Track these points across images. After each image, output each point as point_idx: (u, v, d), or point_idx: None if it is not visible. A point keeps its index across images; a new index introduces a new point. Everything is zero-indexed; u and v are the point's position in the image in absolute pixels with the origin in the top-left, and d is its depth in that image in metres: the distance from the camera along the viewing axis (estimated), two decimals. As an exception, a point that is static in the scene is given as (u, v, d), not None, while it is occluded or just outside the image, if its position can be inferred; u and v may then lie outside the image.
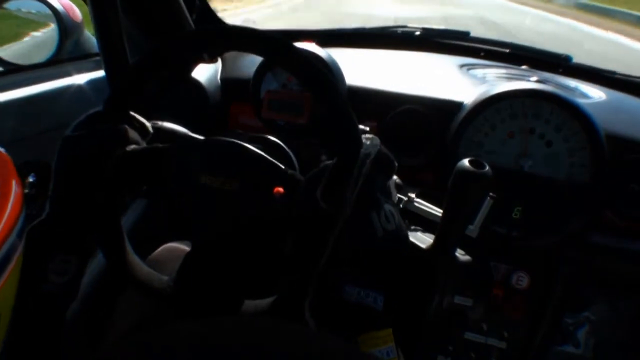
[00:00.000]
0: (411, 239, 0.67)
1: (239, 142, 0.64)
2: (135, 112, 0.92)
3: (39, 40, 1.32)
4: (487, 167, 0.61)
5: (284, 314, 0.58)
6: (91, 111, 0.66)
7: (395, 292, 0.60)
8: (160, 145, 0.66)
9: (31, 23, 1.31)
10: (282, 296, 0.59)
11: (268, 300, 0.61)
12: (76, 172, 0.60)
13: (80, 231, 0.62)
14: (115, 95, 0.65)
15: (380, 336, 0.57)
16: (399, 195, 0.76)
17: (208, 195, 0.63)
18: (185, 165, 0.64)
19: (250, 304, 0.63)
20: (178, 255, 0.81)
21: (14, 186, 0.42)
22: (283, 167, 0.62)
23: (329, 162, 0.58)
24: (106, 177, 0.61)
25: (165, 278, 0.67)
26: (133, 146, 0.64)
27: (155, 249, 0.87)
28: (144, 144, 0.67)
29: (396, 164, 0.60)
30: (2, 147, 0.48)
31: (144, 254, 0.75)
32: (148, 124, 0.69)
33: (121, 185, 0.64)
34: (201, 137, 0.78)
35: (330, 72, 0.98)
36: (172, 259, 0.82)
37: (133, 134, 0.66)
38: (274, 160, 0.62)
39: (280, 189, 0.61)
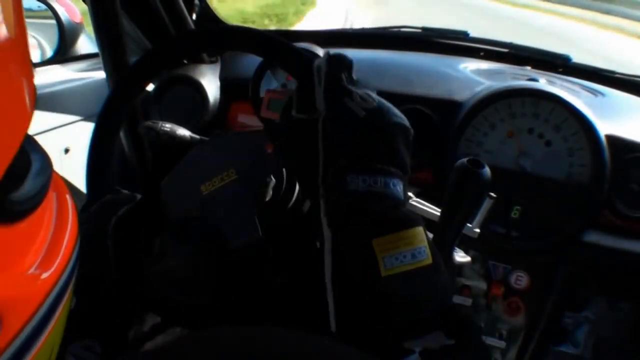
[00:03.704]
0: None
1: (211, 137, 0.64)
2: (135, 113, 0.92)
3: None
4: (486, 167, 0.61)
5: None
6: (83, 205, 0.66)
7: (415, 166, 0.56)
8: (146, 194, 0.66)
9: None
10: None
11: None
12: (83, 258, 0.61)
13: (104, 317, 0.60)
14: (91, 175, 0.66)
15: (401, 237, 0.49)
16: None
17: (217, 198, 0.63)
18: (180, 192, 0.65)
19: None
20: None
21: (69, 200, 0.40)
22: (260, 128, 0.63)
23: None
24: (111, 244, 0.61)
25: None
26: (126, 207, 0.64)
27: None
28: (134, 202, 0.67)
29: (351, 59, 0.59)
30: None
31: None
32: (130, 194, 0.69)
33: (133, 248, 0.64)
34: (200, 137, 0.78)
35: None
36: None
37: (123, 198, 0.66)
38: (248, 131, 0.63)
39: (270, 145, 0.62)
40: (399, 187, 0.52)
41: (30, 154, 0.34)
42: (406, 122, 0.55)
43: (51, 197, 0.37)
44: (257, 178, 0.63)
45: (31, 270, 0.32)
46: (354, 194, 0.50)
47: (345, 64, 0.57)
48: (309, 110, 0.56)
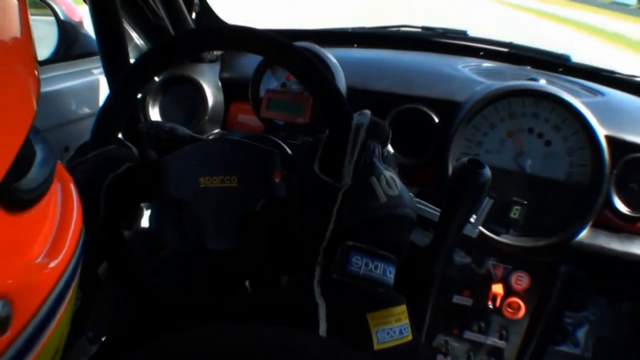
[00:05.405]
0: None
1: (228, 137, 0.64)
2: (135, 113, 0.92)
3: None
4: (486, 167, 0.61)
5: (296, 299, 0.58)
6: (82, 143, 0.66)
7: (406, 263, 0.58)
8: (151, 159, 0.65)
9: None
10: (294, 281, 0.59)
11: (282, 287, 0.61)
12: None
13: (85, 264, 0.61)
14: (101, 121, 0.65)
15: (392, 314, 0.53)
16: None
17: (211, 196, 0.63)
18: (181, 173, 0.65)
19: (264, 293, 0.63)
20: None
21: (74, 191, 0.40)
22: (275, 150, 0.63)
23: (322, 135, 0.59)
24: (103, 201, 0.60)
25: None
26: (126, 165, 0.63)
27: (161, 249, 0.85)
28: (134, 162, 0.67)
29: (390, 131, 0.59)
30: None
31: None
32: (134, 148, 0.68)
33: (120, 206, 0.64)
34: (201, 137, 0.78)
35: (327, 70, 0.98)
36: None
37: (124, 153, 0.66)
38: (265, 147, 0.63)
39: (279, 174, 0.62)
40: (392, 274, 0.55)
41: (34, 145, 0.34)
42: (414, 214, 0.57)
43: (56, 187, 0.37)
44: (255, 196, 0.63)
45: (39, 259, 0.32)
46: (353, 276, 0.53)
47: (384, 136, 0.58)
48: (332, 174, 0.56)
